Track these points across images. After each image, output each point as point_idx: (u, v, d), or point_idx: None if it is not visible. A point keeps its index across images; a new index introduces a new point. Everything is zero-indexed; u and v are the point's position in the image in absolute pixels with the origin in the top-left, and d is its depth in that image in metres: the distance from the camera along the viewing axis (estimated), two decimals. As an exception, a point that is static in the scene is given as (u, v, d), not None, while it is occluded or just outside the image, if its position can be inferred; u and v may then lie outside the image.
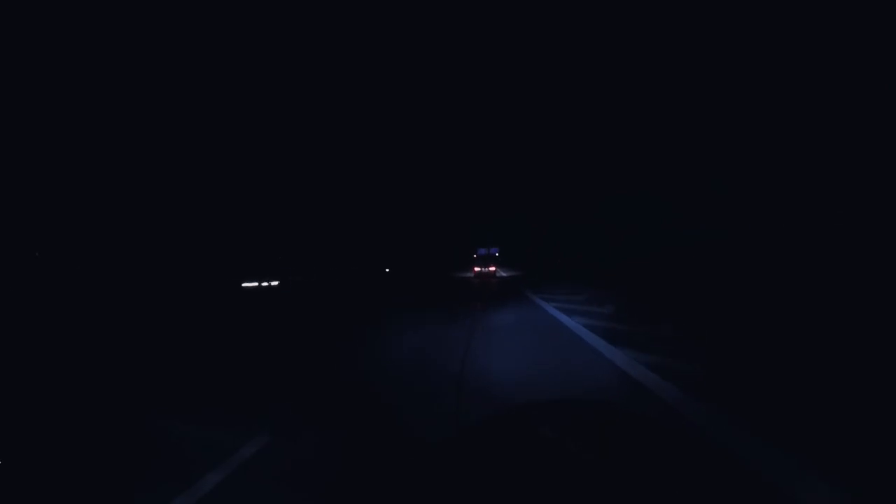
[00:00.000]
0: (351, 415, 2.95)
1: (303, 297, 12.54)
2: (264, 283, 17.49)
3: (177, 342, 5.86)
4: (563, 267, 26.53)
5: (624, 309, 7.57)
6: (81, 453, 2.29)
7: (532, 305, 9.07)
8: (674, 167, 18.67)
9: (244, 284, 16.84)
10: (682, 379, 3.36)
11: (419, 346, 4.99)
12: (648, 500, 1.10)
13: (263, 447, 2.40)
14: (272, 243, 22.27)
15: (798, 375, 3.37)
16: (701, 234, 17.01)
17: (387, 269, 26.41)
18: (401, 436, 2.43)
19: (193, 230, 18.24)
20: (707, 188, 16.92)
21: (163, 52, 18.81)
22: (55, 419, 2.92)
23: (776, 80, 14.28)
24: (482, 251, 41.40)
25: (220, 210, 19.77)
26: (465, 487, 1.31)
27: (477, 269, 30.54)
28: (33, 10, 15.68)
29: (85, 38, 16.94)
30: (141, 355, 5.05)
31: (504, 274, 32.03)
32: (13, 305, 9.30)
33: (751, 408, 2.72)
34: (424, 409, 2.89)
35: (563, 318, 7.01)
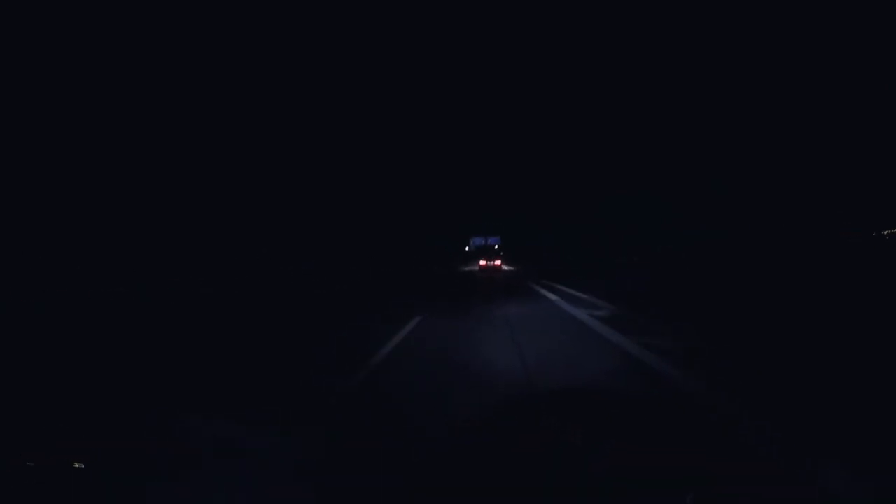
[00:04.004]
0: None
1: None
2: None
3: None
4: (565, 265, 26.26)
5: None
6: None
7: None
8: (674, 167, 18.70)
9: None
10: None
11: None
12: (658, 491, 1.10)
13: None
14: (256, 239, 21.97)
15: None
16: (701, 234, 17.03)
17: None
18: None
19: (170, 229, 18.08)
20: (707, 188, 16.96)
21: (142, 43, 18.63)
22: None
23: (776, 80, 14.29)
24: (478, 241, 37.16)
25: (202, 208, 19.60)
26: (467, 479, 1.31)
27: (483, 262, 29.86)
28: (33, 11, 15.67)
29: (85, 38, 16.93)
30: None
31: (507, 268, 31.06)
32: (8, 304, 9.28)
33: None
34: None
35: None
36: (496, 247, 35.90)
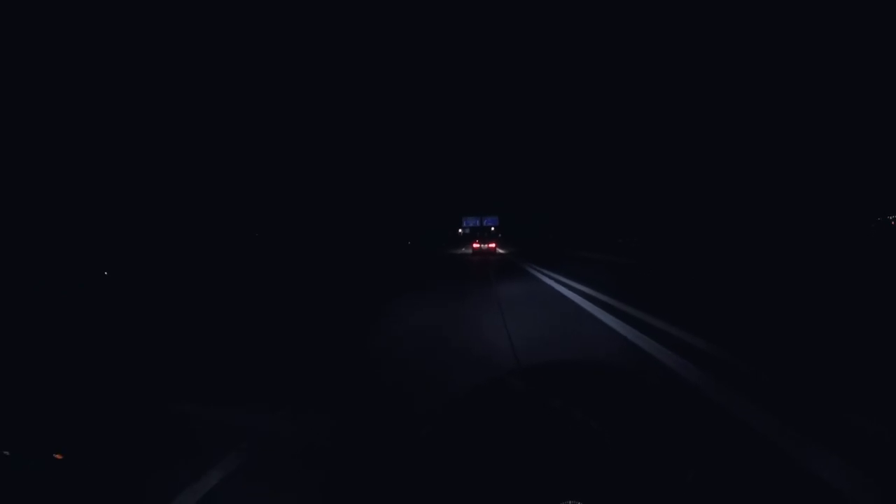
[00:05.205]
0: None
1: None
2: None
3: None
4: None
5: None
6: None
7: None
8: (668, 162, 18.68)
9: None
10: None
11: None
12: (656, 466, 1.07)
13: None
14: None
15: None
16: (691, 226, 17.05)
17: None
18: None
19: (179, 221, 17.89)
20: (703, 188, 16.98)
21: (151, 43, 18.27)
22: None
23: (771, 82, 14.23)
24: (471, 221, 31.58)
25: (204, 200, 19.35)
26: (465, 461, 1.29)
27: (476, 244, 28.29)
28: (34, 11, 15.26)
29: (85, 38, 16.53)
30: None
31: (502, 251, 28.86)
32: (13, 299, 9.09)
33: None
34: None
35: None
36: (493, 228, 31.17)
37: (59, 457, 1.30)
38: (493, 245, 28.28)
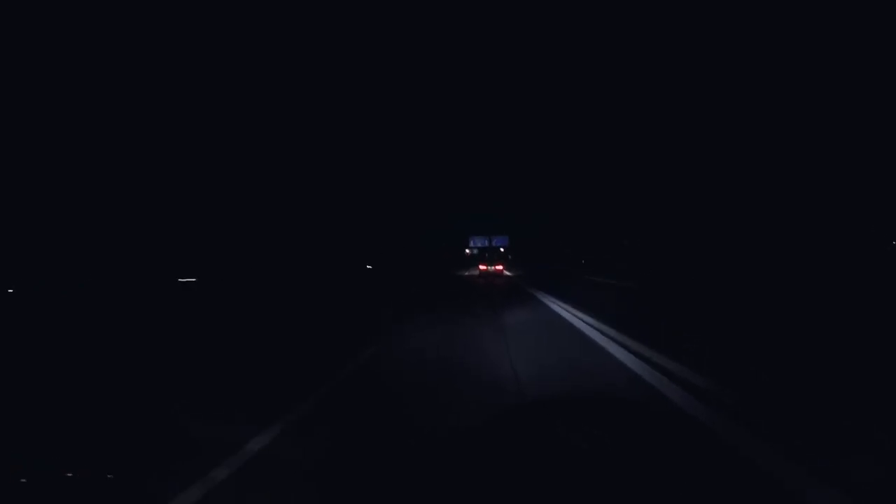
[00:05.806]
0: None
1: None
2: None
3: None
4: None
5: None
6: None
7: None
8: (668, 170, 18.58)
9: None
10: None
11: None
12: (659, 498, 1.08)
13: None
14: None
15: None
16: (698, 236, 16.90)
17: None
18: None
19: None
20: (704, 189, 16.85)
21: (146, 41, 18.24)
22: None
23: (770, 83, 14.21)
24: (479, 241, 30.01)
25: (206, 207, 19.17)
26: (474, 485, 1.31)
27: (483, 266, 26.94)
28: (33, 11, 15.53)
29: (85, 38, 16.75)
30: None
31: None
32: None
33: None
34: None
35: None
36: (502, 249, 29.80)
37: (77, 475, 1.33)
38: (500, 267, 27.07)
